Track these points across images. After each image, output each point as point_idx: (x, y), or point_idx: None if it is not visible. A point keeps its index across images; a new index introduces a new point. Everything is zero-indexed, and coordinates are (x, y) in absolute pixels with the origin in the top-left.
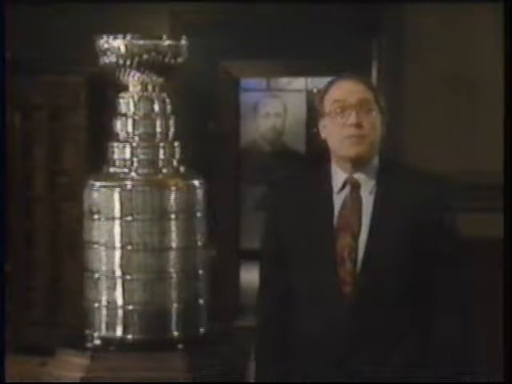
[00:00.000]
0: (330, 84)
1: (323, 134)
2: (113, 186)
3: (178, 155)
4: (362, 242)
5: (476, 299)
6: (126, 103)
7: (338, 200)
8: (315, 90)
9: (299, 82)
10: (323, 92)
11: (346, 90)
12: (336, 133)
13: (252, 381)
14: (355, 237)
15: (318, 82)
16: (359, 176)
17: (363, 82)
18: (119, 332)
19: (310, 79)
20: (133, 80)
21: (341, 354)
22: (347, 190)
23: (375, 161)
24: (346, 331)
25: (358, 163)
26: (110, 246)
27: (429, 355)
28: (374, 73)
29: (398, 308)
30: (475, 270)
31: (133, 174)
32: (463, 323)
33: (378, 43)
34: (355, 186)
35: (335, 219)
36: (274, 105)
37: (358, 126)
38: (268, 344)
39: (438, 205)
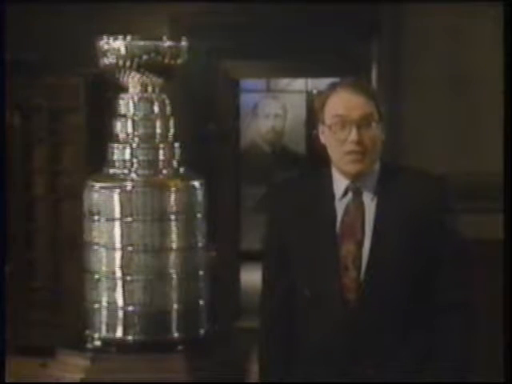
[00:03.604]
0: (331, 90)
1: (323, 140)
2: (113, 187)
3: (177, 156)
4: (365, 248)
5: (476, 300)
6: (126, 104)
7: (340, 206)
8: (315, 92)
9: (299, 83)
10: (324, 98)
11: (346, 105)
12: (337, 147)
13: (253, 381)
14: (359, 244)
15: (317, 83)
16: (361, 182)
17: (364, 91)
18: (119, 333)
19: (309, 80)
20: (133, 81)
21: (344, 359)
22: (349, 196)
23: (376, 166)
24: (350, 337)
25: (358, 176)
26: (110, 247)
27: (432, 357)
28: (374, 73)
29: (401, 313)
30: (475, 270)
31: (133, 174)
32: (465, 324)
33: (377, 44)
34: (357, 193)
35: (338, 226)
36: (273, 106)
37: (359, 143)
38: (271, 348)
39: (440, 207)
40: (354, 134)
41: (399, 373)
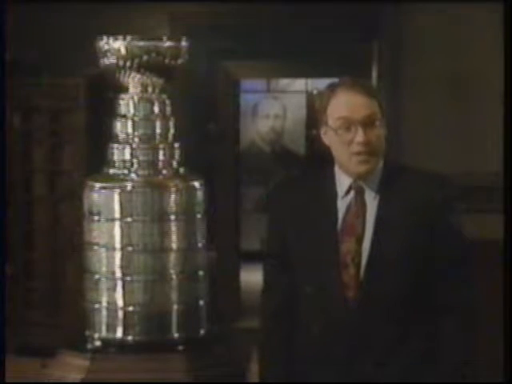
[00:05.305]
0: (332, 92)
1: (326, 141)
2: (113, 188)
3: (177, 156)
4: (365, 246)
5: (476, 300)
6: (126, 104)
7: (342, 205)
8: (315, 92)
9: (299, 84)
10: (326, 100)
11: (349, 106)
12: (343, 149)
13: (252, 381)
14: (359, 242)
15: (317, 84)
16: (364, 181)
17: (366, 90)
18: (119, 333)
19: (309, 81)
20: (133, 81)
21: (344, 357)
22: (352, 194)
23: (379, 165)
24: (350, 335)
25: (364, 176)
26: (110, 247)
27: (432, 356)
28: (374, 73)
29: (401, 312)
30: (475, 270)
31: (133, 175)
32: (466, 324)
33: (377, 44)
34: (360, 191)
35: (339, 224)
36: (273, 106)
37: (366, 143)
38: (272, 347)
39: (442, 207)
40: (360, 135)
41: (399, 371)
